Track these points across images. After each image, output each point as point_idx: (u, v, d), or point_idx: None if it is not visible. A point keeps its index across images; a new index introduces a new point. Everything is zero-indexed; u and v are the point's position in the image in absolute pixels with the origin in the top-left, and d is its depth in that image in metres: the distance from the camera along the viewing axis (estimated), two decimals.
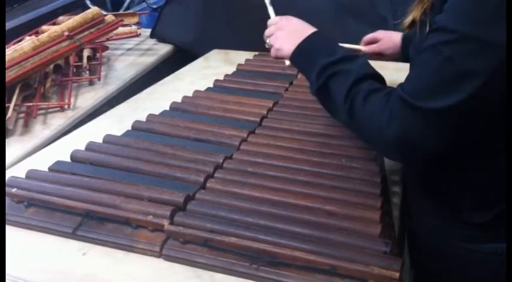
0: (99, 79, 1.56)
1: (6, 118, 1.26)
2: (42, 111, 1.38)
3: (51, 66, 1.53)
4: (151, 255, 0.84)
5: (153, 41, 1.91)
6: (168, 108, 1.25)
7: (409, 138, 0.75)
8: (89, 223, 0.88)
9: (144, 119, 1.19)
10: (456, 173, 0.84)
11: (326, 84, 0.86)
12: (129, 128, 1.16)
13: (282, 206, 0.89)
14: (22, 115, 1.35)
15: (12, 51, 1.39)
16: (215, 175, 0.98)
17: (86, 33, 1.52)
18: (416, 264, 1.00)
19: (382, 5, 1.61)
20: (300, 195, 0.91)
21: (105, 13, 1.67)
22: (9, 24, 1.91)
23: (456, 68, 0.70)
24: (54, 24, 1.75)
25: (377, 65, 1.50)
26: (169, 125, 1.16)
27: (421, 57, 0.75)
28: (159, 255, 0.83)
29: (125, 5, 2.48)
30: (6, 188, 0.93)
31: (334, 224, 0.84)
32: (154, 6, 2.44)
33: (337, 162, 1.00)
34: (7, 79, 1.34)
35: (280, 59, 0.98)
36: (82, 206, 0.89)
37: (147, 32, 1.92)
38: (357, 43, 1.65)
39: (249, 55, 1.59)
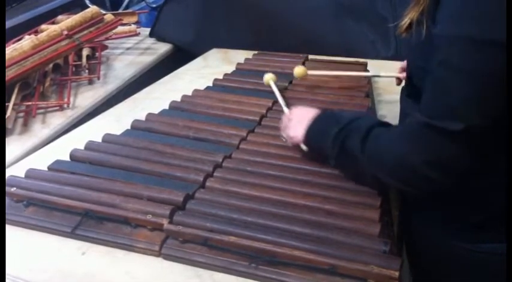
0: (98, 78, 1.56)
1: (6, 117, 1.26)
2: (42, 111, 1.38)
3: (51, 65, 1.53)
4: (150, 255, 0.84)
5: (152, 40, 1.91)
6: (167, 108, 1.25)
7: (439, 163, 0.74)
8: (88, 222, 0.88)
9: (143, 118, 1.19)
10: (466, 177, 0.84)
11: (342, 148, 0.88)
12: (129, 127, 1.16)
13: (281, 205, 0.89)
14: (21, 114, 1.35)
15: (11, 50, 1.39)
16: (214, 174, 0.98)
17: (85, 32, 1.53)
18: (416, 264, 1.00)
19: (382, 4, 1.61)
20: (300, 195, 0.91)
21: (104, 12, 1.67)
22: (8, 23, 1.90)
23: (468, 76, 0.69)
24: (53, 23, 1.75)
25: (376, 64, 1.51)
26: (168, 124, 1.16)
27: (433, 78, 0.74)
28: (159, 254, 0.83)
29: (124, 4, 2.48)
30: (6, 187, 0.93)
31: (334, 223, 0.84)
32: (154, 6, 2.44)
33: None
34: (6, 78, 1.34)
35: (296, 145, 1.00)
36: (81, 205, 0.89)
37: (146, 31, 1.92)
38: (357, 43, 1.66)
39: (248, 54, 1.59)
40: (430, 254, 0.93)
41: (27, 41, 1.43)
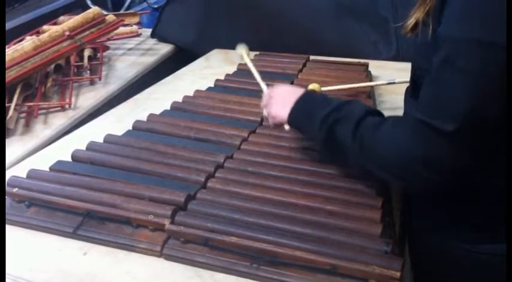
0: (99, 79, 1.56)
1: (7, 118, 1.26)
2: (43, 111, 1.38)
3: (52, 66, 1.53)
4: (152, 255, 0.84)
5: (153, 40, 1.91)
6: (168, 108, 1.25)
7: (432, 160, 0.74)
8: (89, 223, 0.88)
9: (144, 119, 1.19)
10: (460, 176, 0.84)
11: (331, 131, 0.86)
12: (130, 128, 1.16)
13: (282, 205, 0.89)
14: (23, 115, 1.35)
15: (13, 51, 1.39)
16: (216, 175, 0.98)
17: (86, 33, 1.53)
18: (417, 265, 1.00)
19: (383, 4, 1.61)
20: (301, 195, 0.91)
21: (105, 13, 1.67)
22: (10, 24, 1.91)
23: (469, 77, 0.69)
24: (55, 24, 1.75)
25: (377, 65, 1.51)
26: (169, 124, 1.16)
27: (432, 76, 0.73)
28: (160, 254, 0.83)
29: (126, 4, 2.48)
30: (7, 188, 0.93)
31: (335, 223, 0.84)
32: (155, 6, 2.44)
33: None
34: (8, 79, 1.34)
35: (278, 125, 0.97)
36: (83, 206, 0.89)
37: (148, 31, 1.92)
38: (358, 43, 1.65)
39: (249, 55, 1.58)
40: (431, 255, 0.93)
41: (28, 42, 1.43)
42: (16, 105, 1.33)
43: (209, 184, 0.95)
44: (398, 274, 0.74)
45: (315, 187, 0.93)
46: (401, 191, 1.01)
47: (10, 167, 1.11)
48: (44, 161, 1.04)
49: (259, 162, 1.01)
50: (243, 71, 1.47)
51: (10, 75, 1.35)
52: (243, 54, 1.25)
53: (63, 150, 1.08)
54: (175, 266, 0.82)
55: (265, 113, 1.02)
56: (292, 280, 0.77)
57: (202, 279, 0.79)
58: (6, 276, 0.78)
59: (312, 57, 1.53)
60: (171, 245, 0.84)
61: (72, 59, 1.60)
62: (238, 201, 0.90)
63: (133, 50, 1.84)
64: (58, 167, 1.01)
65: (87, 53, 1.64)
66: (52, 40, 1.45)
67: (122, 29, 1.76)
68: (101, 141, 1.10)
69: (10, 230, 0.88)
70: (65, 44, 1.47)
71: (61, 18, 1.81)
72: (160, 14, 1.90)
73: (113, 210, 0.88)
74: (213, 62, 1.66)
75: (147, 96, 1.44)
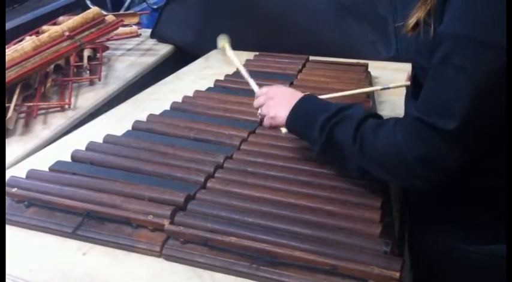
0: (99, 79, 1.56)
1: (7, 118, 1.26)
2: (43, 111, 1.38)
3: (52, 66, 1.53)
4: (151, 255, 0.84)
5: (153, 41, 1.91)
6: (168, 108, 1.25)
7: (429, 159, 0.74)
8: (89, 223, 0.88)
9: (144, 119, 1.19)
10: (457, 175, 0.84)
11: (330, 135, 0.85)
12: (130, 128, 1.16)
13: (282, 205, 0.89)
14: (22, 115, 1.35)
15: (12, 51, 1.40)
16: (215, 175, 0.98)
17: (86, 33, 1.53)
18: (416, 265, 1.00)
19: (382, 4, 1.61)
20: (300, 195, 0.91)
21: (105, 13, 1.67)
22: (9, 24, 1.91)
23: (468, 75, 0.68)
24: (54, 24, 1.75)
25: (376, 65, 1.51)
26: (169, 125, 1.16)
27: (432, 74, 0.73)
28: (160, 255, 0.83)
29: (125, 5, 2.49)
30: (7, 188, 0.93)
31: (335, 223, 0.84)
32: (155, 7, 2.44)
33: None
34: (7, 79, 1.34)
35: (275, 127, 0.97)
36: (82, 206, 0.89)
37: (148, 32, 1.92)
38: (358, 43, 1.66)
39: (249, 55, 1.59)
40: (430, 255, 0.93)
41: (28, 42, 1.44)
42: (16, 105, 1.33)
43: (209, 184, 0.95)
44: (397, 274, 0.74)
45: (315, 187, 0.93)
46: (401, 191, 1.01)
47: (10, 167, 1.11)
48: (43, 161, 1.05)
49: (259, 162, 1.01)
50: None
51: (10, 75, 1.35)
52: (225, 46, 1.21)
53: (63, 151, 1.08)
54: (175, 266, 0.82)
55: (260, 112, 1.00)
56: (292, 280, 0.77)
57: (201, 279, 0.80)
58: (6, 276, 0.78)
59: (311, 58, 1.53)
60: (170, 245, 0.84)
61: (72, 59, 1.60)
62: (237, 202, 0.90)
63: (133, 51, 1.85)
64: (57, 167, 1.01)
65: (86, 53, 1.64)
66: (52, 40, 1.45)
67: (121, 30, 1.76)
68: (101, 141, 1.10)
69: (10, 230, 0.88)
70: (64, 44, 1.47)
71: (61, 18, 1.81)
72: (159, 14, 1.90)
73: (113, 211, 0.88)
74: (212, 63, 1.66)
75: (146, 96, 1.44)
